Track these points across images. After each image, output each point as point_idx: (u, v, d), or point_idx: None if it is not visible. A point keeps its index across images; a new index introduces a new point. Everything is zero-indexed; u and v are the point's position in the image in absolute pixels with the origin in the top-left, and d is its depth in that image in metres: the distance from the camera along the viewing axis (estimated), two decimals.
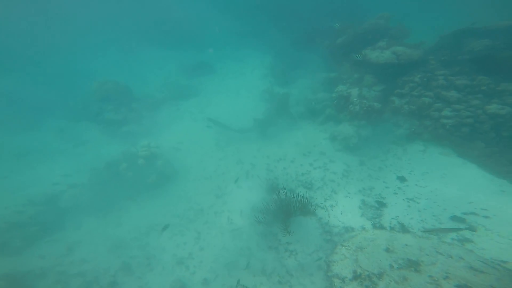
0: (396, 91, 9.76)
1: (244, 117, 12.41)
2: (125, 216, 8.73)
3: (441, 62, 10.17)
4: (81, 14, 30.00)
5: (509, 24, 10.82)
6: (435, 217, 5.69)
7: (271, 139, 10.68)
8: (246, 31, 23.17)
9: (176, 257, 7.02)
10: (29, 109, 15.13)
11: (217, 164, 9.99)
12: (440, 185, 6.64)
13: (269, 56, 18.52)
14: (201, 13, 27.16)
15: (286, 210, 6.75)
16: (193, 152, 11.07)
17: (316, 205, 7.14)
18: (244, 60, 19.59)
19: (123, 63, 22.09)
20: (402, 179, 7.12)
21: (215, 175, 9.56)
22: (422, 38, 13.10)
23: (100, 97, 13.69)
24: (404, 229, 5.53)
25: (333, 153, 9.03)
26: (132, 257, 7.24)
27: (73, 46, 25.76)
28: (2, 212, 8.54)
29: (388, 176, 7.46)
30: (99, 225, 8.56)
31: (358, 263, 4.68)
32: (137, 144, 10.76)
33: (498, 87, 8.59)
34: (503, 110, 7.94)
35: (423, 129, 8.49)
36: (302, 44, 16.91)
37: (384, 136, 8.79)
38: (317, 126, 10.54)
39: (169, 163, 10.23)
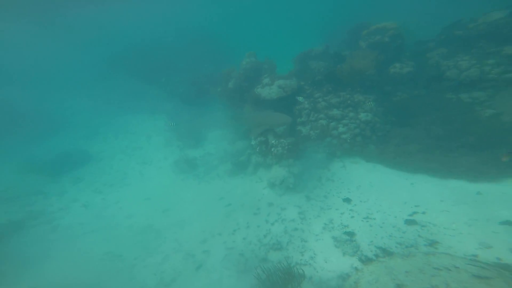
0: (298, 120, 10.93)
1: (167, 202, 10.22)
2: None
3: (311, 85, 12.06)
4: None
5: (322, 49, 14.73)
6: (395, 227, 6.40)
7: (213, 213, 9.20)
8: (119, 94, 19.90)
9: None
10: None
11: (159, 271, 7.46)
12: (376, 194, 7.65)
13: (161, 116, 16.38)
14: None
15: None
16: (113, 272, 7.78)
17: (298, 265, 6.53)
18: (130, 129, 16.39)
19: None
20: (347, 200, 7.75)
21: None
22: (283, 67, 15.42)
23: None
24: (386, 252, 5.83)
25: (279, 199, 8.76)
26: None
27: None
28: None
29: (336, 202, 7.93)
30: None
31: None
32: None
33: (355, 98, 11.29)
34: (368, 116, 10.40)
35: (333, 147, 9.83)
36: (194, 96, 16.12)
37: (311, 165, 9.46)
38: (251, 177, 10.08)
39: None
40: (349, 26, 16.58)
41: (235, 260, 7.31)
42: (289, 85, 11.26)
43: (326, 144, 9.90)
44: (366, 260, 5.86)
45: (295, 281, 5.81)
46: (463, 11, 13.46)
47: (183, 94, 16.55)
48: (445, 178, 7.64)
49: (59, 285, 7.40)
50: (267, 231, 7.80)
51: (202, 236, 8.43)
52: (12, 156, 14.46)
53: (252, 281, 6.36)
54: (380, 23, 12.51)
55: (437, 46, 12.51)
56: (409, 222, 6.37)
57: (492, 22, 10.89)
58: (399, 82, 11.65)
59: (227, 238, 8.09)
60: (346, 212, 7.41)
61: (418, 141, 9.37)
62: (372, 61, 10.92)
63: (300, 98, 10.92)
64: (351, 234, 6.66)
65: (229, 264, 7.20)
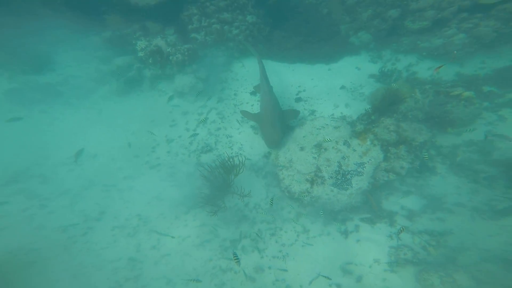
0: (190, 27, 9.40)
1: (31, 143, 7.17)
2: None
3: None
4: None
5: None
6: (290, 106, 8.02)
7: (117, 139, 7.54)
8: None
9: None
10: None
11: (75, 212, 6.15)
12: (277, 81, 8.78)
13: None
14: None
15: (221, 186, 6.23)
16: None
17: (231, 157, 7.14)
18: None
19: None
20: (253, 93, 8.50)
21: None
22: None
23: None
24: (289, 127, 7.41)
25: (193, 106, 8.30)
26: None
27: None
28: None
29: (245, 97, 8.50)
30: None
31: (298, 170, 6.13)
32: None
33: (239, 0, 10.62)
34: (253, 18, 10.36)
35: (231, 49, 9.61)
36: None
37: (214, 70, 9.04)
38: (151, 93, 8.48)
39: None
40: None
41: (167, 173, 7.05)
42: None
43: (224, 48, 9.51)
44: None
45: (234, 170, 6.11)
46: None
47: None
48: (312, 63, 9.68)
49: None
50: (191, 139, 7.65)
51: (114, 165, 7.19)
52: None
53: (196, 182, 6.52)
54: None
55: None
56: (297, 99, 8.12)
57: None
58: None
59: (148, 158, 7.36)
60: (255, 103, 8.30)
61: (292, 39, 10.79)
62: None
63: None
64: None
65: (164, 176, 6.90)
